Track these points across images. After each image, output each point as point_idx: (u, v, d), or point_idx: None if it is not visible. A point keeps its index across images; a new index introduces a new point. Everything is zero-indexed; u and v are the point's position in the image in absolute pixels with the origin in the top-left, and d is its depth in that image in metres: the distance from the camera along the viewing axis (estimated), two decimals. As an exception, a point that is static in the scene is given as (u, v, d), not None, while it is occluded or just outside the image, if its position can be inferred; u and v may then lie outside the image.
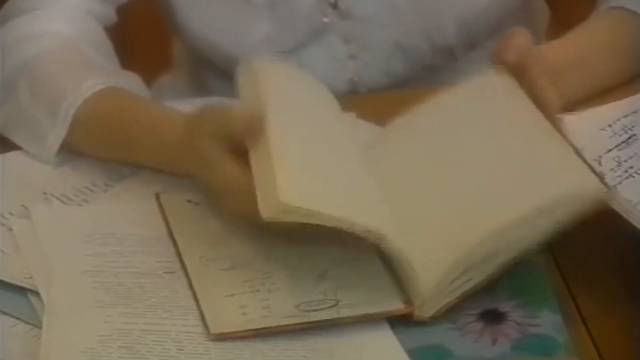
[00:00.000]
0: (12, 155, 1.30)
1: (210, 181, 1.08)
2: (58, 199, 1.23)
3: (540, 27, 1.58)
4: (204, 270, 1.07)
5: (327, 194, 1.02)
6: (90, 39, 1.35)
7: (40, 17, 1.34)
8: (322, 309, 1.02)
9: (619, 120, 1.18)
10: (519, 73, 1.17)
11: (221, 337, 1.00)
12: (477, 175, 1.11)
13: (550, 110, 1.15)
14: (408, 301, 1.03)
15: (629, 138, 1.16)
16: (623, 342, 1.02)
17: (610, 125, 1.18)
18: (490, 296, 1.05)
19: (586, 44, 1.28)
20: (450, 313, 1.03)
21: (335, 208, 1.00)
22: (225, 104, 1.14)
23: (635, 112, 1.19)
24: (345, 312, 1.02)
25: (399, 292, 1.04)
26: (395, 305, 1.03)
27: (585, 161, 1.10)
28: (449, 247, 1.03)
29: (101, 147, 1.24)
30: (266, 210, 0.98)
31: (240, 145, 1.06)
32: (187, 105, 1.25)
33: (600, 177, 1.08)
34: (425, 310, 1.02)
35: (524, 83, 1.17)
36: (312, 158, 1.06)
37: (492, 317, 1.03)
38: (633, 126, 1.17)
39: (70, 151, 1.26)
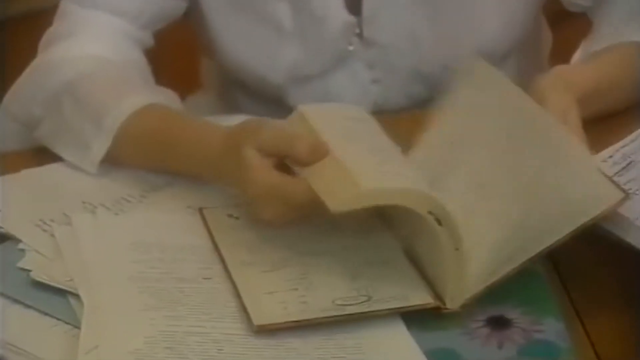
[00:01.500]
0: (53, 167, 1.33)
1: (253, 189, 1.13)
2: (96, 208, 1.26)
3: (545, 51, 1.62)
4: (246, 272, 1.12)
5: (396, 180, 1.09)
6: (130, 60, 1.38)
7: (81, 40, 1.37)
8: (356, 303, 1.07)
9: (618, 150, 1.22)
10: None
11: (264, 329, 1.05)
12: (505, 180, 1.15)
13: (574, 125, 1.21)
14: (437, 296, 1.08)
15: (628, 164, 1.20)
16: (621, 347, 1.07)
17: (611, 157, 1.21)
18: (497, 304, 1.09)
19: (603, 75, 1.32)
20: (460, 319, 1.08)
21: (409, 187, 1.07)
22: (278, 122, 1.18)
23: (633, 140, 1.22)
24: (376, 306, 1.07)
25: (427, 288, 1.09)
26: (425, 299, 1.08)
27: (604, 173, 1.15)
28: (485, 244, 1.09)
29: (145, 159, 1.28)
30: (341, 202, 1.05)
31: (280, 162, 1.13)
32: (216, 121, 1.30)
33: (619, 185, 1.14)
34: (455, 302, 1.07)
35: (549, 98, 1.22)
36: (371, 161, 1.11)
37: (499, 323, 1.08)
38: (632, 153, 1.21)
39: (111, 162, 1.29)
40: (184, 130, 1.27)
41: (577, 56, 1.43)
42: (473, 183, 1.15)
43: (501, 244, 1.10)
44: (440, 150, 1.20)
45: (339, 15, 1.40)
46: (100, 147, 1.29)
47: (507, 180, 1.14)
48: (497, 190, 1.14)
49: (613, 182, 1.14)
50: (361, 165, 1.10)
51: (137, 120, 1.28)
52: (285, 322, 1.06)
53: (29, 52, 1.43)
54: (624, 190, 1.13)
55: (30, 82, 1.38)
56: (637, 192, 1.14)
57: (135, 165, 1.29)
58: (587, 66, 1.35)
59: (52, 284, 1.15)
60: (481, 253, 1.09)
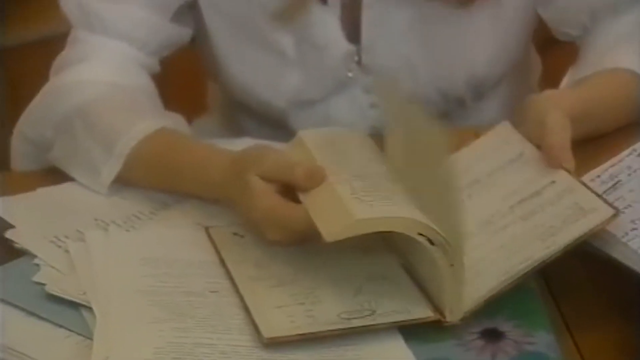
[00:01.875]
0: (66, 186, 1.33)
1: (257, 213, 1.14)
2: (108, 225, 1.26)
3: (534, 77, 1.62)
4: (254, 287, 1.12)
5: (386, 208, 1.09)
6: (139, 85, 1.38)
7: (92, 66, 1.37)
8: (361, 317, 1.07)
9: (606, 170, 1.22)
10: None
11: (273, 342, 1.05)
12: (499, 204, 1.18)
13: (560, 142, 1.20)
14: (436, 309, 1.08)
15: (615, 184, 1.20)
16: (609, 358, 1.08)
17: (599, 176, 1.21)
18: (491, 317, 1.09)
19: (590, 99, 1.32)
20: (456, 331, 1.08)
21: (398, 214, 1.07)
22: (279, 150, 1.19)
23: (620, 161, 1.22)
24: (380, 320, 1.07)
25: (427, 302, 1.09)
26: (426, 313, 1.08)
27: (592, 190, 1.16)
28: (483, 263, 1.11)
29: (154, 182, 1.29)
30: (335, 232, 1.06)
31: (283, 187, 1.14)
32: (222, 145, 1.30)
33: (610, 203, 1.13)
34: (455, 315, 1.07)
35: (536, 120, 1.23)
36: (364, 188, 1.12)
37: (493, 336, 1.08)
38: (619, 174, 1.21)
39: (121, 183, 1.29)
40: (191, 156, 1.27)
41: (565, 81, 1.44)
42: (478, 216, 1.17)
43: (497, 262, 1.11)
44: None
45: (339, 44, 1.40)
46: (110, 170, 1.29)
47: (507, 214, 1.17)
48: (498, 222, 1.17)
49: (603, 199, 1.15)
50: (355, 195, 1.11)
51: (147, 145, 1.28)
52: (294, 335, 1.06)
53: (41, 77, 1.43)
54: (614, 208, 1.13)
55: (42, 105, 1.38)
56: (623, 211, 1.14)
57: (144, 187, 1.30)
58: (575, 90, 1.35)
59: (65, 297, 1.15)
60: (479, 271, 1.10)
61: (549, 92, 1.33)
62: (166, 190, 1.29)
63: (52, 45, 1.91)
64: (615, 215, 1.12)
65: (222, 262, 1.18)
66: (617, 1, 1.41)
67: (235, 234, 1.22)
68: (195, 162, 1.26)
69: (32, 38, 2.06)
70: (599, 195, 1.15)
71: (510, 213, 1.17)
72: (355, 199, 1.10)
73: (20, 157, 1.41)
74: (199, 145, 1.30)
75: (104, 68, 1.37)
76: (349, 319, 1.08)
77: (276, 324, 1.07)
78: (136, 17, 1.38)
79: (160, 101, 1.41)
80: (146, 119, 1.30)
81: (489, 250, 1.14)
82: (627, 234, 1.12)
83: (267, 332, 1.05)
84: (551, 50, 1.57)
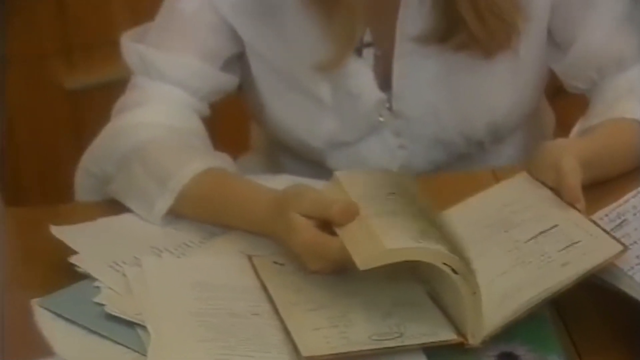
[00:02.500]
0: (124, 216, 1.33)
1: (297, 246, 1.16)
2: (162, 251, 1.26)
3: (548, 125, 1.61)
4: (292, 310, 1.12)
5: (414, 239, 1.09)
6: (190, 128, 1.39)
7: (149, 109, 1.38)
8: (390, 338, 1.08)
9: (614, 210, 1.22)
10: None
11: None
12: (517, 239, 1.18)
13: (573, 184, 1.21)
14: (459, 333, 1.08)
15: (622, 222, 1.20)
16: None
17: (607, 215, 1.22)
18: (507, 341, 1.09)
19: (599, 146, 1.32)
20: (475, 353, 1.08)
21: (424, 245, 1.08)
22: (317, 189, 1.20)
23: (626, 201, 1.22)
24: (408, 341, 1.07)
25: (451, 326, 1.09)
26: (451, 336, 1.08)
27: (602, 228, 1.17)
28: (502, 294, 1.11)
29: (203, 216, 1.29)
30: (368, 261, 1.08)
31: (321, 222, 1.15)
32: (264, 181, 1.31)
33: (618, 239, 1.14)
34: (476, 339, 1.07)
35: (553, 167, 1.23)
36: (395, 222, 1.13)
37: (509, 359, 1.08)
38: (625, 213, 1.21)
39: (173, 216, 1.30)
40: (237, 194, 1.28)
41: (575, 130, 1.43)
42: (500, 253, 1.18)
43: (514, 293, 1.11)
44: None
45: (372, 92, 1.40)
46: (163, 205, 1.29)
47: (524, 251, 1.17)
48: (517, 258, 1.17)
49: (612, 236, 1.15)
50: (385, 228, 1.12)
51: (197, 183, 1.28)
52: (329, 355, 1.06)
53: (103, 118, 1.43)
54: (622, 244, 1.13)
55: (104, 143, 1.39)
56: (630, 247, 1.14)
57: (194, 220, 1.30)
58: (585, 139, 1.35)
59: (123, 317, 1.15)
60: (499, 299, 1.10)
61: (562, 140, 1.34)
62: (214, 223, 1.29)
63: (113, 89, 1.93)
64: (623, 251, 1.12)
65: (264, 287, 1.18)
66: (622, 58, 1.40)
67: (275, 262, 1.22)
68: (241, 200, 1.27)
69: (96, 82, 2.07)
70: (608, 233, 1.16)
71: (527, 247, 1.17)
72: (386, 232, 1.11)
73: (83, 190, 1.42)
74: (245, 183, 1.30)
75: (159, 112, 1.38)
76: (379, 340, 1.08)
77: (313, 344, 1.07)
78: (190, 66, 1.39)
79: (210, 141, 1.41)
80: (196, 160, 1.31)
81: (509, 281, 1.13)
82: (632, 267, 1.13)
83: (305, 351, 1.06)
84: (561, 99, 1.55)
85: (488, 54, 1.36)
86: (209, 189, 1.29)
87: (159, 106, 1.38)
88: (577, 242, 1.15)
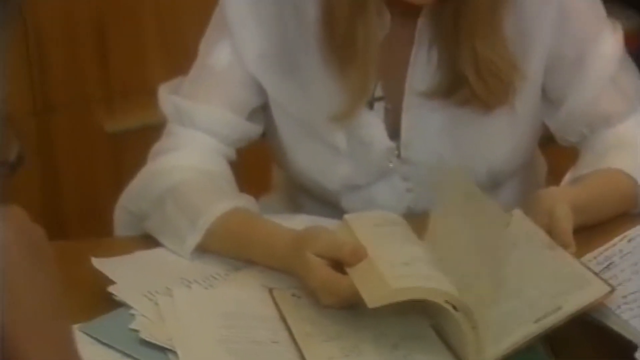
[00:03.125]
0: (157, 250, 1.33)
1: (313, 283, 1.17)
2: (191, 283, 1.25)
3: (541, 174, 1.60)
4: (309, 341, 1.13)
5: (418, 280, 1.11)
6: (219, 171, 1.38)
7: (182, 154, 1.38)
8: None
9: (602, 254, 1.22)
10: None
11: None
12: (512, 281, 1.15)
13: (566, 229, 1.21)
14: None
15: (609, 265, 1.19)
16: None
17: (595, 258, 1.21)
18: None
19: (588, 195, 1.31)
20: None
21: (427, 285, 1.09)
22: (331, 231, 1.21)
23: (613, 245, 1.22)
24: None
25: (453, 357, 1.10)
26: None
27: (592, 270, 1.15)
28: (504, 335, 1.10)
29: (228, 252, 1.29)
30: (376, 299, 1.08)
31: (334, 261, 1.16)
32: (284, 220, 1.32)
33: (606, 280, 1.13)
34: None
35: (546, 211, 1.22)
36: (400, 260, 1.14)
37: None
38: (612, 256, 1.21)
39: (201, 251, 1.30)
40: (260, 232, 1.29)
41: (566, 179, 1.42)
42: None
43: (514, 326, 1.11)
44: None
45: (383, 141, 1.39)
46: (193, 241, 1.29)
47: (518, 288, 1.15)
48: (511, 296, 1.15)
49: (601, 278, 1.14)
50: (391, 268, 1.12)
51: (223, 222, 1.29)
52: None
53: (140, 159, 1.43)
54: (610, 285, 1.12)
55: (141, 184, 1.39)
56: (616, 287, 1.13)
57: (219, 254, 1.30)
58: (576, 187, 1.35)
59: (156, 342, 1.15)
60: (498, 333, 1.10)
61: (555, 188, 1.34)
62: (238, 258, 1.29)
63: (149, 132, 1.93)
64: (611, 292, 1.12)
65: (283, 318, 1.18)
66: (610, 116, 1.40)
67: (293, 295, 1.22)
68: (263, 237, 1.28)
69: (134, 126, 2.08)
70: (597, 274, 1.15)
71: (525, 285, 1.16)
72: (392, 272, 1.11)
73: (121, 226, 1.42)
74: (266, 223, 1.30)
75: (192, 156, 1.38)
76: None
77: None
78: (219, 116, 1.39)
79: (235, 183, 1.41)
80: (224, 200, 1.31)
81: (507, 316, 1.12)
82: (619, 307, 1.12)
83: None
84: (552, 148, 1.54)
85: (487, 108, 1.36)
86: (234, 227, 1.29)
87: (191, 151, 1.38)
88: (569, 283, 1.14)
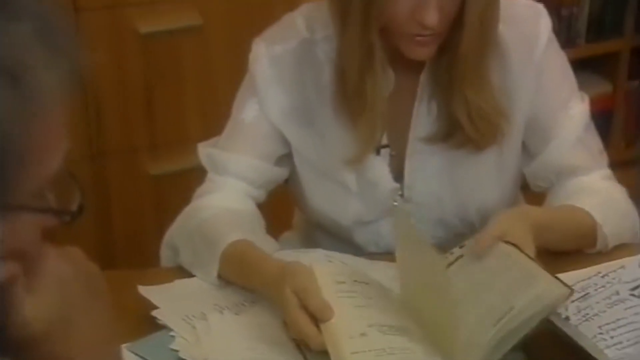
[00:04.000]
0: (194, 279, 1.32)
1: (286, 318, 1.17)
2: (223, 309, 1.24)
3: None
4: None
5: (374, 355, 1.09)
6: (247, 210, 1.39)
7: (216, 196, 1.38)
8: None
9: (578, 282, 1.21)
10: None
11: None
12: (480, 291, 1.15)
13: (529, 248, 1.19)
14: None
15: (585, 295, 1.18)
16: None
17: (573, 285, 1.17)
18: None
19: (554, 216, 1.31)
20: None
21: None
22: (310, 274, 1.18)
23: (589, 278, 1.21)
24: None
25: None
26: None
27: (553, 275, 1.12)
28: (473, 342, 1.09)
29: (236, 277, 1.28)
30: None
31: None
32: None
33: (562, 280, 1.11)
34: None
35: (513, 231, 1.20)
36: (357, 330, 1.12)
37: None
38: (588, 287, 1.20)
39: (223, 278, 1.29)
40: (253, 262, 1.27)
41: None
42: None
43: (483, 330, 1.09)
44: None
45: (388, 183, 1.39)
46: (213, 268, 1.29)
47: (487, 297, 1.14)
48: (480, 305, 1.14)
49: (557, 278, 1.12)
50: (349, 341, 1.10)
51: (230, 250, 1.28)
52: None
53: (179, 197, 1.43)
54: (567, 286, 1.10)
55: (179, 224, 1.39)
56: (592, 318, 1.12)
57: (232, 281, 1.29)
58: (539, 208, 1.34)
59: None
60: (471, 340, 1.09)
61: (519, 206, 1.34)
62: (244, 286, 1.28)
63: (187, 175, 1.94)
64: (570, 293, 1.10)
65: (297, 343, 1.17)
66: (576, 167, 1.40)
67: None
68: (255, 267, 1.26)
69: (174, 169, 2.09)
70: (554, 276, 1.12)
71: (481, 293, 1.15)
72: (350, 346, 1.10)
73: (165, 259, 1.41)
74: (260, 255, 1.28)
75: (223, 198, 1.38)
76: None
77: None
78: (248, 163, 1.40)
79: (263, 220, 1.41)
80: (236, 232, 1.31)
81: (472, 327, 1.11)
82: (595, 336, 1.11)
83: None
84: (529, 192, 1.53)
85: (479, 149, 1.36)
86: (237, 255, 1.28)
87: (223, 194, 1.39)
88: (518, 282, 1.12)
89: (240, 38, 2.02)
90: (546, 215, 1.30)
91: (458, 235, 1.42)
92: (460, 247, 1.25)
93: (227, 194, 1.39)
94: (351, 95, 1.32)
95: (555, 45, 1.40)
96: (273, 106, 1.38)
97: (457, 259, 1.23)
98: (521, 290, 1.10)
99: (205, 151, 1.42)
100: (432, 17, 1.21)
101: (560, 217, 1.32)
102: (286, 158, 1.43)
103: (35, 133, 0.67)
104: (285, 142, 1.41)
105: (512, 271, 1.15)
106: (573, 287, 1.17)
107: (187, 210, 1.40)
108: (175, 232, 1.38)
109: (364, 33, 1.26)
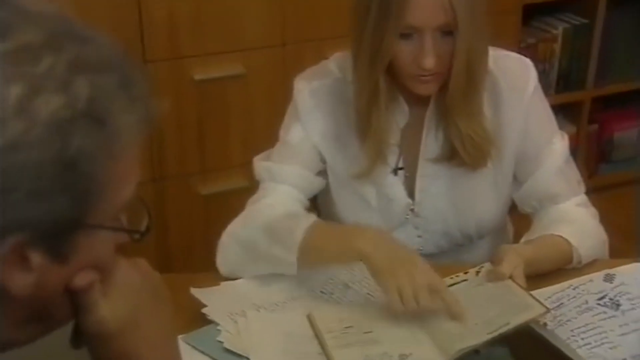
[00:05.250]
0: (238, 282, 1.27)
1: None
2: (260, 307, 1.22)
3: (509, 234, 1.54)
4: (335, 352, 1.11)
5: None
6: (297, 211, 1.33)
7: (273, 199, 1.33)
8: None
9: (554, 294, 1.19)
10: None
11: None
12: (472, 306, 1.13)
13: (519, 278, 1.17)
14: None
15: (559, 305, 1.16)
16: None
17: (549, 297, 1.18)
18: None
19: (537, 252, 1.26)
20: None
21: None
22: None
23: (562, 290, 1.19)
24: None
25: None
26: None
27: (535, 298, 1.11)
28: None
29: (316, 252, 1.22)
30: None
31: None
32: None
33: (543, 303, 1.10)
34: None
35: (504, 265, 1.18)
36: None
37: None
38: (562, 298, 1.18)
39: (301, 265, 1.23)
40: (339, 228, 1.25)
41: (522, 240, 1.35)
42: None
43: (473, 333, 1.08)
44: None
45: (402, 199, 1.37)
46: (292, 256, 1.23)
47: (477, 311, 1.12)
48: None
49: (540, 302, 1.10)
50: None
51: (309, 233, 1.24)
52: None
53: (224, 214, 1.40)
54: (546, 307, 1.09)
55: (246, 221, 1.33)
56: (565, 323, 1.10)
57: (316, 265, 1.25)
58: (528, 246, 1.30)
59: (235, 351, 1.14)
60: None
61: (512, 245, 1.30)
62: (330, 259, 1.23)
63: (232, 194, 1.94)
64: (547, 311, 1.09)
65: (316, 336, 1.15)
66: (557, 195, 1.37)
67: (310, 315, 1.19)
68: (342, 230, 1.24)
69: (221, 190, 2.08)
70: (538, 300, 1.11)
71: (486, 311, 1.13)
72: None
73: (231, 254, 1.31)
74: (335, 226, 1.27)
75: (277, 201, 1.34)
76: None
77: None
78: (299, 173, 1.37)
79: None
80: (307, 219, 1.28)
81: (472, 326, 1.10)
82: (568, 338, 1.09)
83: None
84: (517, 216, 1.50)
85: (473, 169, 1.34)
86: (321, 228, 1.24)
87: (277, 198, 1.35)
88: (517, 306, 1.10)
89: (275, 84, 2.05)
90: (533, 251, 1.26)
91: (458, 246, 1.41)
92: (465, 273, 1.23)
93: (281, 198, 1.34)
94: (360, 122, 1.31)
95: (540, 92, 1.39)
96: (313, 129, 1.36)
97: (461, 281, 1.21)
98: (517, 313, 1.09)
99: (261, 164, 1.39)
100: (429, 61, 1.21)
101: (543, 251, 1.28)
102: (323, 173, 1.41)
103: (115, 167, 0.67)
104: (322, 159, 1.39)
105: (510, 297, 1.13)
106: (550, 298, 1.16)
107: (248, 212, 1.34)
108: (245, 230, 1.31)
109: (370, 73, 1.25)
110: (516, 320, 1.07)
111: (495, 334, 1.06)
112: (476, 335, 1.08)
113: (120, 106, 0.66)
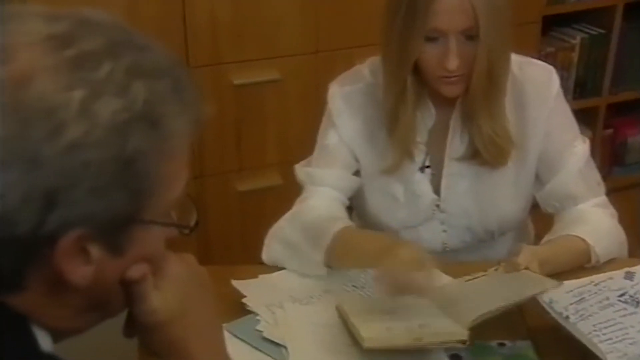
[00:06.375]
0: (275, 274, 1.27)
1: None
2: (296, 300, 1.21)
3: (530, 234, 1.51)
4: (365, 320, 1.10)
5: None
6: (337, 212, 1.33)
7: (312, 202, 1.33)
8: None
9: (576, 289, 1.17)
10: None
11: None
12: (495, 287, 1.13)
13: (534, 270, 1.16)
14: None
15: (581, 299, 1.14)
16: None
17: (571, 291, 1.16)
18: None
19: (554, 252, 1.25)
20: None
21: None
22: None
23: (584, 285, 1.17)
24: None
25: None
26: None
27: (550, 280, 1.11)
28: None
29: (343, 253, 1.23)
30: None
31: None
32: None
33: (556, 280, 1.09)
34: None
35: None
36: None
37: None
38: (584, 293, 1.16)
39: (328, 264, 1.24)
40: (356, 240, 1.24)
41: (544, 240, 1.33)
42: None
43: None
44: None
45: (429, 195, 1.35)
46: (320, 257, 1.24)
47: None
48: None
49: (552, 280, 1.11)
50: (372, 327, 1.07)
51: (338, 236, 1.24)
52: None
53: (260, 210, 1.40)
54: (560, 282, 1.10)
55: (291, 222, 1.32)
56: (587, 318, 1.08)
57: (342, 265, 1.25)
58: (545, 246, 1.28)
59: (273, 339, 1.14)
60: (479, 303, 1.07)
61: (529, 246, 1.27)
62: (352, 264, 1.23)
63: (267, 192, 1.93)
64: (560, 284, 1.09)
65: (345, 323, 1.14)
66: (577, 196, 1.35)
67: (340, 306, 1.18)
68: (367, 237, 1.23)
69: (256, 187, 2.07)
70: (552, 279, 1.11)
71: (503, 291, 1.12)
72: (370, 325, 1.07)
73: (272, 251, 1.33)
74: (365, 234, 1.27)
75: (319, 203, 1.34)
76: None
77: (375, 334, 1.06)
78: (338, 175, 1.36)
79: (349, 220, 1.35)
80: (339, 224, 1.27)
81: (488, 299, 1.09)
82: (590, 333, 1.07)
83: (366, 343, 1.04)
84: (538, 216, 1.47)
85: (494, 167, 1.32)
86: (345, 240, 1.24)
87: (318, 200, 1.34)
88: (532, 281, 1.10)
89: (308, 89, 2.04)
90: (548, 250, 1.24)
91: (481, 241, 1.39)
92: (484, 275, 1.21)
93: (322, 199, 1.34)
94: (388, 118, 1.30)
95: (562, 97, 1.37)
96: (346, 132, 1.36)
97: (480, 276, 1.20)
98: (531, 287, 1.08)
99: (302, 170, 1.39)
100: (453, 63, 1.20)
101: (559, 250, 1.25)
102: (357, 172, 1.39)
103: (167, 166, 0.67)
104: (357, 160, 1.38)
105: (525, 278, 1.12)
106: (571, 291, 1.14)
107: (294, 212, 1.34)
108: (286, 228, 1.31)
109: (398, 73, 1.25)
110: (531, 291, 1.06)
111: (511, 301, 1.05)
112: (491, 304, 1.07)
113: (173, 109, 0.66)
